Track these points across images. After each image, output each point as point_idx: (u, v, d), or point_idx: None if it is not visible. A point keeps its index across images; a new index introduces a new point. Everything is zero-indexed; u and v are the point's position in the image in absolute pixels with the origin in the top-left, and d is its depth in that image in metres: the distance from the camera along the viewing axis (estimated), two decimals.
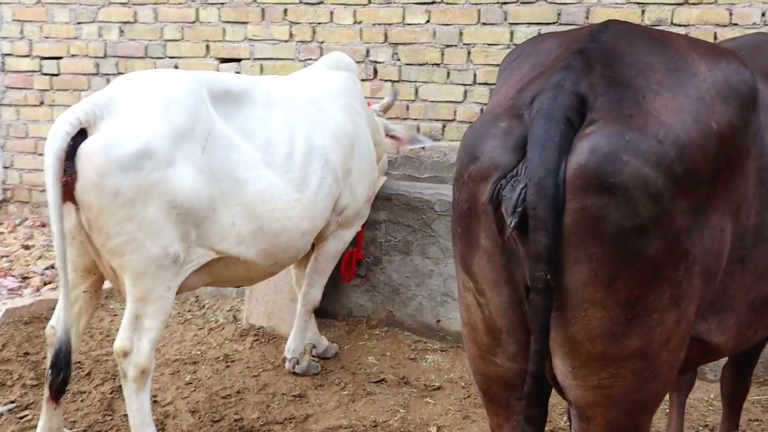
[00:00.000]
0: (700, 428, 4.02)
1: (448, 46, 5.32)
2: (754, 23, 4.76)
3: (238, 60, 5.79)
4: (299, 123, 3.84)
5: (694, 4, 4.86)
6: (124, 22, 5.96)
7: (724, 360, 3.52)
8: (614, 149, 1.79)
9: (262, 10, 5.67)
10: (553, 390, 2.12)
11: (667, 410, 3.65)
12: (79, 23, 6.06)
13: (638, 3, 4.94)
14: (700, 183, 1.90)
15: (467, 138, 2.03)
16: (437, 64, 5.36)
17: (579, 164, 1.79)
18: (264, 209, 3.56)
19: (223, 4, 5.74)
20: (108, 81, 6.02)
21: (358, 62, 5.46)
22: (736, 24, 4.79)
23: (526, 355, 2.00)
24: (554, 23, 5.08)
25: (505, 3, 5.17)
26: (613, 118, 1.85)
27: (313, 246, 4.23)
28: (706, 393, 4.35)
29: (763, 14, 4.75)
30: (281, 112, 3.81)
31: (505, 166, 1.89)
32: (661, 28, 4.88)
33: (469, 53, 5.29)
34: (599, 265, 1.81)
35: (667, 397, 3.61)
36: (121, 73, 5.99)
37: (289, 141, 3.74)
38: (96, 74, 6.06)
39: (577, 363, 1.92)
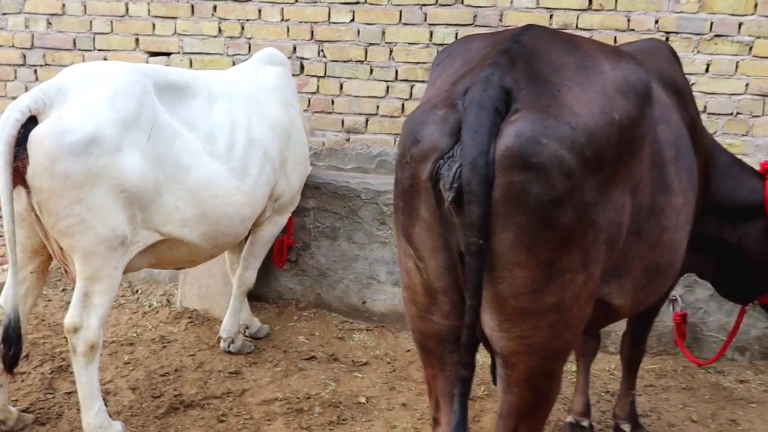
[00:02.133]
0: (603, 394, 4.43)
1: (371, 44, 5.60)
2: (649, 29, 5.21)
3: (168, 54, 5.93)
4: (239, 115, 4.07)
5: (596, 10, 5.28)
6: (52, 14, 6.02)
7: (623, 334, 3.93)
8: (535, 134, 2.11)
9: (192, 5, 5.83)
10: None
11: (574, 380, 4.03)
12: (4, 14, 6.09)
13: (547, 8, 5.33)
14: (605, 164, 2.25)
15: (409, 124, 2.32)
16: (361, 61, 5.64)
17: (506, 146, 2.11)
18: (206, 195, 3.78)
19: None
20: (35, 72, 6.10)
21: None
22: (633, 29, 5.23)
23: (458, 312, 2.31)
24: (470, 25, 5.42)
25: (424, 5, 5.48)
26: (534, 107, 2.18)
27: (249, 231, 4.47)
28: (607, 364, 4.79)
29: (656, 21, 5.21)
30: (222, 105, 4.03)
31: (443, 149, 2.19)
32: (567, 31, 5.30)
33: (391, 51, 5.58)
34: (523, 232, 2.13)
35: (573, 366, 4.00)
36: (49, 65, 6.06)
37: (231, 132, 3.97)
38: (23, 65, 6.10)
39: (503, 317, 2.24)
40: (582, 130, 2.18)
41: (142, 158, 3.48)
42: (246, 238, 4.58)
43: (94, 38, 6.01)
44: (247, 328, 4.88)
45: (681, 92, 3.27)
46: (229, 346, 4.65)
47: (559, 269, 2.19)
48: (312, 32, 5.71)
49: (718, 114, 5.26)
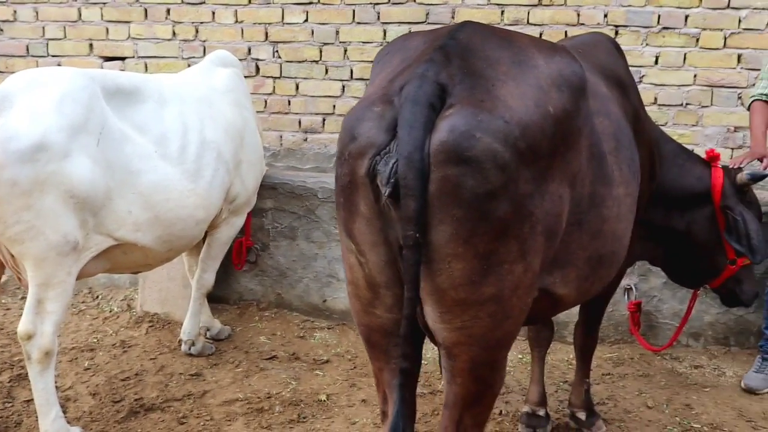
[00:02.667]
0: (561, 384, 4.49)
1: (325, 44, 5.63)
2: (598, 23, 5.29)
3: (122, 58, 5.92)
4: (192, 118, 4.08)
5: (546, 5, 5.35)
6: (3, 21, 5.98)
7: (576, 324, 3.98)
8: (469, 128, 2.15)
9: (145, 9, 5.82)
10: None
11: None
12: None
13: (498, 4, 5.39)
14: (540, 156, 2.29)
15: (347, 122, 2.36)
16: (316, 61, 5.67)
17: (440, 141, 2.14)
18: (159, 198, 3.78)
19: (105, 3, 5.85)
20: None
21: (240, 60, 5.71)
22: (583, 24, 5.30)
23: (401, 306, 2.32)
24: (423, 22, 5.47)
25: (377, 3, 5.52)
26: (468, 102, 2.21)
27: (206, 233, 4.48)
28: (566, 354, 4.85)
29: (605, 15, 5.29)
30: (174, 108, 4.03)
31: (380, 144, 2.22)
32: (518, 27, 5.36)
33: (345, 51, 5.61)
34: (459, 225, 2.16)
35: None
36: (2, 72, 6.02)
37: (183, 135, 3.97)
38: None
39: (443, 308, 2.27)
40: (516, 124, 2.21)
41: (92, 163, 3.48)
42: (203, 241, 4.58)
43: (47, 44, 5.98)
44: (208, 330, 4.89)
45: (623, 84, 3.32)
46: (190, 349, 4.66)
47: (497, 260, 2.22)
48: (266, 33, 5.73)
49: (668, 105, 5.35)
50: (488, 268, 2.22)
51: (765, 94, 4.29)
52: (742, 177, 3.78)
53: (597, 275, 2.80)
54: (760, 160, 4.07)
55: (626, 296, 4.79)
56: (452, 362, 2.37)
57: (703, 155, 3.92)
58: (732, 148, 5.35)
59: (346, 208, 2.36)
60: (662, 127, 5.19)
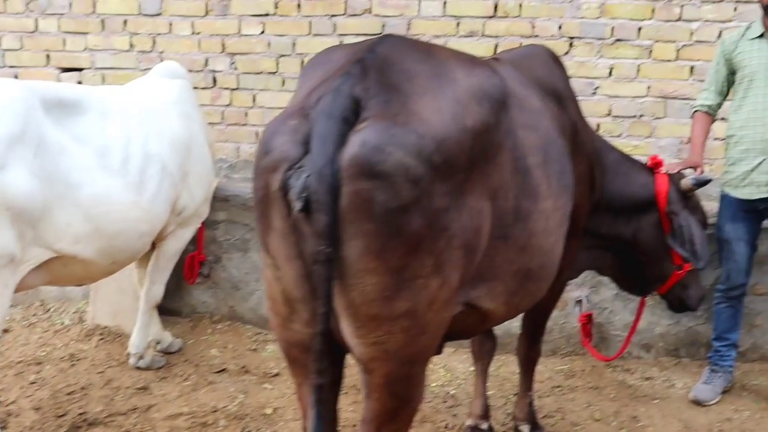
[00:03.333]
0: (511, 396, 4.47)
1: (282, 55, 5.62)
2: (553, 35, 5.30)
3: (80, 69, 5.88)
4: (136, 130, 4.04)
5: (502, 17, 5.36)
6: None
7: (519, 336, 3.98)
8: (380, 142, 2.14)
9: (102, 21, 5.79)
10: None
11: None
12: None
13: (453, 16, 5.40)
14: (457, 170, 2.28)
15: (263, 135, 2.34)
16: (273, 73, 5.65)
17: (352, 155, 2.13)
18: (100, 211, 3.75)
19: (62, 14, 5.81)
20: None
21: (197, 71, 5.71)
22: (537, 35, 5.31)
23: None
24: (379, 34, 5.38)
25: (334, 15, 5.52)
26: (382, 116, 2.20)
27: (154, 245, 4.45)
28: (517, 366, 4.82)
29: (560, 27, 5.31)
30: (118, 120, 3.99)
31: (293, 158, 2.21)
32: (474, 39, 5.38)
33: (302, 62, 5.59)
34: (371, 239, 2.15)
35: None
36: None
37: (125, 147, 3.94)
38: None
39: (357, 323, 2.26)
40: (431, 138, 2.20)
41: (29, 175, 3.45)
42: (152, 252, 4.55)
43: (3, 55, 5.94)
44: (158, 342, 4.85)
45: (560, 97, 3.32)
46: (138, 362, 4.62)
47: (411, 275, 2.21)
48: (223, 45, 5.71)
49: (623, 116, 5.37)
50: (402, 283, 2.21)
51: (706, 105, 4.34)
52: (686, 182, 3.83)
53: (526, 289, 2.79)
54: (694, 168, 4.09)
55: (577, 308, 4.82)
56: (369, 377, 2.36)
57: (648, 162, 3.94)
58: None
59: (262, 222, 2.34)
60: (617, 139, 5.24)
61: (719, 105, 4.37)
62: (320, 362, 2.28)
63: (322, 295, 2.18)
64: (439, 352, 3.16)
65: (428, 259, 2.23)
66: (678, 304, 4.10)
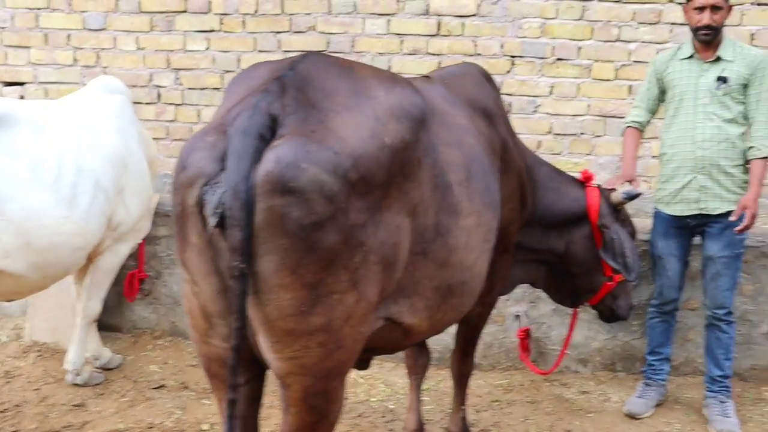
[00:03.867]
0: (450, 411, 4.50)
1: (227, 71, 5.63)
2: (495, 53, 5.39)
3: (22, 84, 5.84)
4: (69, 145, 4.02)
5: (444, 35, 5.43)
6: None
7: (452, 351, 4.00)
8: (295, 159, 2.16)
9: (46, 35, 5.77)
10: None
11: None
12: None
13: (397, 34, 5.46)
14: (374, 187, 2.31)
15: (182, 150, 2.36)
16: (217, 89, 5.66)
17: (266, 171, 2.15)
18: (31, 225, 3.72)
19: (4, 28, 5.78)
20: None
21: (141, 87, 5.70)
22: (480, 54, 5.39)
23: None
24: (323, 51, 5.51)
25: (279, 32, 5.55)
26: (298, 133, 2.23)
27: (91, 260, 4.41)
28: None
29: (502, 46, 5.39)
30: (51, 135, 3.97)
31: (209, 174, 2.23)
32: (417, 57, 5.44)
33: None
34: (285, 255, 2.17)
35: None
36: None
37: (58, 161, 3.92)
38: None
39: (274, 338, 2.27)
40: (347, 155, 2.23)
41: None
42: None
43: None
44: (97, 359, 4.81)
45: (489, 115, 3.37)
46: (75, 379, 4.57)
47: (326, 290, 2.23)
48: (168, 60, 5.71)
49: (563, 134, 5.46)
50: (317, 298, 2.23)
51: (637, 122, 4.43)
52: (617, 196, 3.92)
53: (449, 304, 2.81)
54: (630, 182, 4.18)
55: (516, 323, 4.88)
56: (286, 392, 2.37)
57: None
58: None
59: (180, 238, 2.35)
60: (557, 156, 5.33)
61: (648, 121, 4.48)
62: (234, 377, 2.28)
63: (236, 310, 2.19)
64: (366, 366, 3.21)
65: (344, 275, 2.25)
66: (609, 315, 4.21)
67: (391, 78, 2.65)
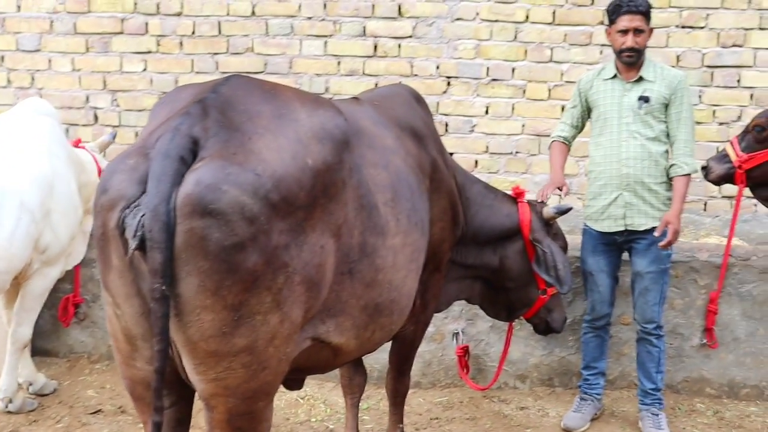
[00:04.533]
0: None
1: (164, 92, 5.58)
2: (431, 74, 5.48)
3: None
4: None
5: (381, 57, 5.50)
6: None
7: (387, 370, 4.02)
8: (215, 181, 2.17)
9: None
10: None
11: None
12: None
13: (334, 55, 5.52)
14: (297, 208, 2.33)
15: (102, 173, 2.36)
16: None
17: (186, 194, 2.16)
18: None
19: None
20: None
21: (78, 108, 5.67)
22: (416, 75, 5.48)
23: None
24: (261, 72, 5.54)
25: (216, 53, 5.57)
26: (219, 155, 2.24)
27: (20, 285, 4.35)
28: None
29: (438, 67, 5.48)
30: None
31: (130, 197, 2.23)
32: (354, 78, 5.50)
33: None
34: (206, 277, 2.18)
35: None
36: None
37: None
38: None
39: (197, 360, 2.28)
40: (269, 177, 2.25)
41: None
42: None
43: None
44: (30, 384, 4.72)
45: (418, 135, 3.41)
46: (7, 406, 4.48)
47: (249, 311, 2.24)
48: (105, 82, 5.68)
49: (499, 153, 5.55)
50: (240, 320, 2.23)
51: (562, 136, 4.52)
52: (548, 211, 4.01)
53: (377, 324, 2.84)
54: (560, 188, 4.27)
55: (454, 341, 4.92)
56: (211, 414, 2.37)
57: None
58: (561, 195, 5.56)
59: (102, 261, 2.35)
60: (494, 175, 5.41)
61: (573, 137, 4.56)
62: (159, 400, 2.27)
63: (158, 333, 2.19)
64: (299, 386, 3.22)
65: (267, 296, 2.26)
66: (544, 327, 4.28)
67: (314, 100, 2.68)
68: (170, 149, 2.22)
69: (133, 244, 2.17)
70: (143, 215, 2.16)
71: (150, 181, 2.18)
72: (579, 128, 4.56)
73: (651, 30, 4.26)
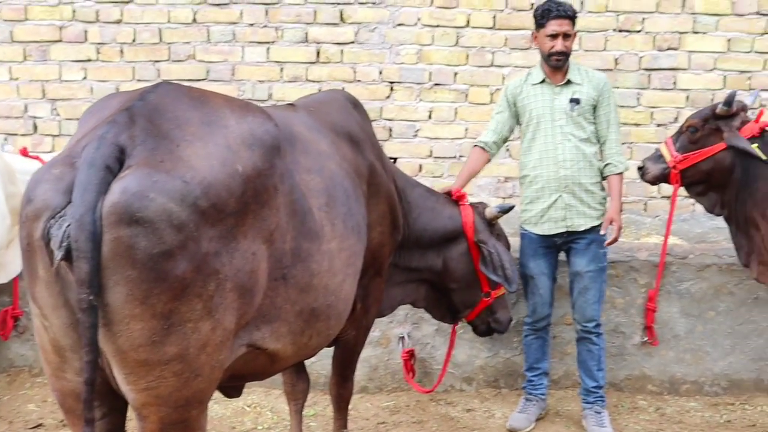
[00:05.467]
0: None
1: None
2: (374, 80, 5.50)
3: None
4: None
5: (324, 63, 5.51)
6: None
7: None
8: (142, 189, 2.16)
9: None
10: None
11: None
12: None
13: (277, 62, 5.51)
14: (227, 215, 2.33)
15: (28, 183, 2.32)
16: None
17: (112, 202, 2.14)
18: None
19: None
20: None
21: (16, 118, 5.58)
22: (359, 80, 5.50)
23: None
24: (204, 80, 5.50)
25: (157, 61, 5.52)
26: (146, 163, 2.23)
27: None
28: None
29: (380, 72, 5.50)
30: None
31: (55, 207, 2.20)
32: (297, 84, 5.50)
33: None
34: (134, 285, 2.16)
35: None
36: None
37: None
38: None
39: (127, 370, 2.25)
40: (197, 184, 2.24)
41: None
42: None
43: None
44: None
45: (355, 140, 3.43)
46: None
47: (179, 319, 2.23)
48: (44, 91, 5.60)
49: (443, 157, 5.59)
50: (170, 328, 2.22)
51: (483, 142, 4.53)
52: (491, 211, 4.06)
53: (314, 329, 2.84)
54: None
55: (400, 345, 4.94)
56: (143, 424, 2.34)
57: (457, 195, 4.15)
58: (503, 198, 5.64)
59: (28, 272, 2.31)
60: (438, 179, 5.45)
61: (496, 143, 4.53)
62: (89, 411, 2.25)
63: (87, 343, 2.16)
64: (238, 394, 3.21)
65: (197, 303, 2.25)
66: (485, 329, 4.33)
67: (243, 107, 2.67)
68: (96, 158, 2.20)
69: (58, 254, 2.15)
70: (69, 225, 2.14)
71: (75, 191, 2.16)
72: (502, 134, 4.53)
73: (575, 34, 4.34)
